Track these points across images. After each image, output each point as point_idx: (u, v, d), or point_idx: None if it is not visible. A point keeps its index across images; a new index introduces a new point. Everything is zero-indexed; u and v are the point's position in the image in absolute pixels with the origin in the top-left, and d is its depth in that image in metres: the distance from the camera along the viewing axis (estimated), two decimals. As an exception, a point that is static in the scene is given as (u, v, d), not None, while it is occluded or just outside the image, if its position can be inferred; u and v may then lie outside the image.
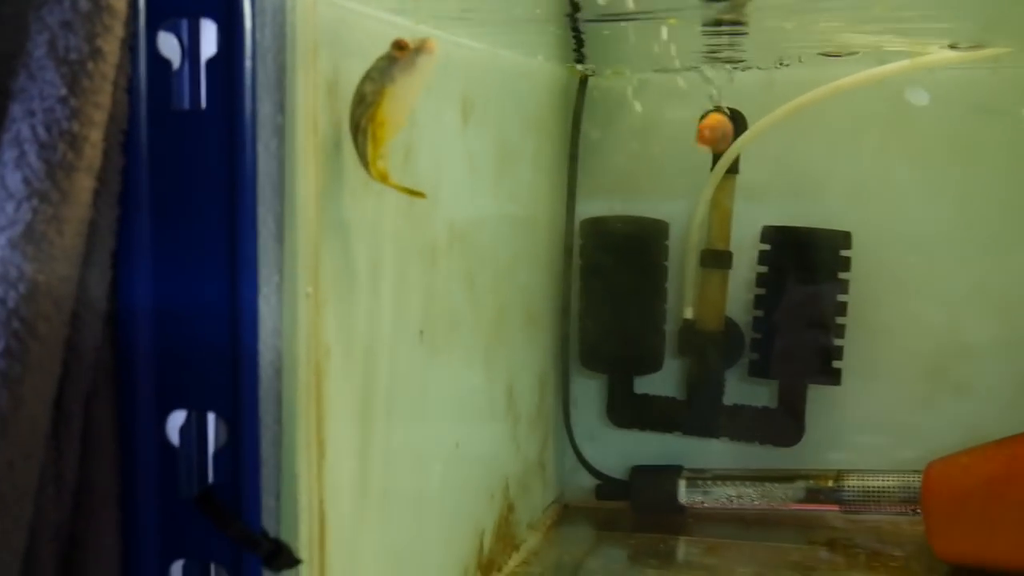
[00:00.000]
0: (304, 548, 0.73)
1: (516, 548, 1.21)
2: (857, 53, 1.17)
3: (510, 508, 1.19)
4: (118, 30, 0.62)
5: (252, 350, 0.68)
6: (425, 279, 0.93)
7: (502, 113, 1.12)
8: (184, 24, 0.67)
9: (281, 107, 0.70)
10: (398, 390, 0.88)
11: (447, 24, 0.97)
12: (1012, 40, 1.17)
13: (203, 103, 0.67)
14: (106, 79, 0.62)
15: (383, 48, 0.77)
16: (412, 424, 0.92)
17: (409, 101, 0.76)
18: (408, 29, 0.90)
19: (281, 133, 0.70)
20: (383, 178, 0.76)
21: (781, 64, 1.30)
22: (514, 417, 1.20)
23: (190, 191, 0.67)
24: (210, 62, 0.67)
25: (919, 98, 1.28)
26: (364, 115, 0.75)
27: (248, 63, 0.67)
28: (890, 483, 1.27)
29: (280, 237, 0.70)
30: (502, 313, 1.15)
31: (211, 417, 0.69)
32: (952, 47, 1.15)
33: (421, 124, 0.90)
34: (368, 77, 0.75)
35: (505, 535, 1.17)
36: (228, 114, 0.67)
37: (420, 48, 0.75)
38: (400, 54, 0.75)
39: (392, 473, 0.88)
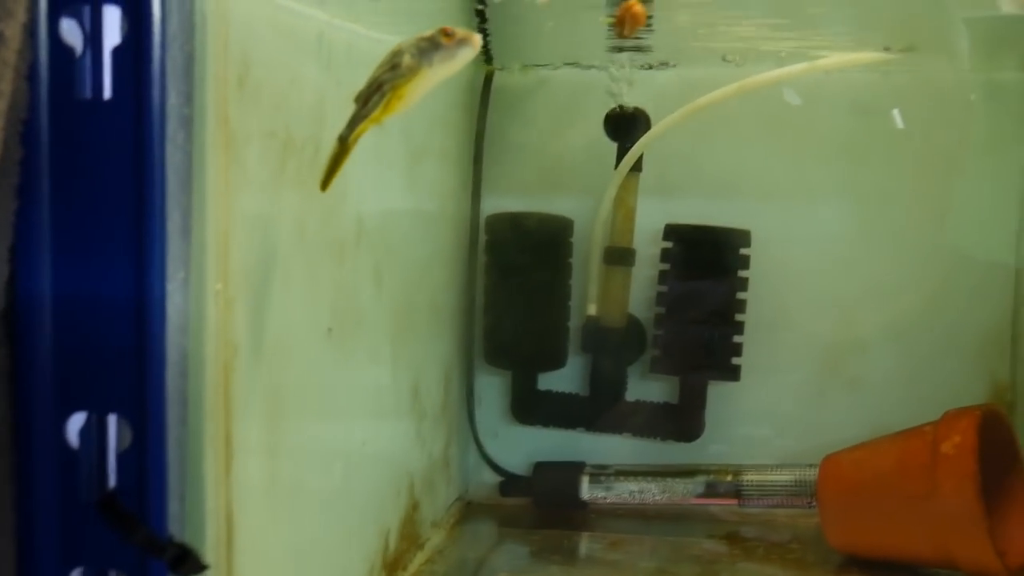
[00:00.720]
0: (211, 552, 0.71)
1: (421, 547, 1.20)
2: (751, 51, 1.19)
3: (415, 506, 1.18)
4: (20, 15, 0.60)
5: (158, 348, 0.66)
6: (334, 275, 0.91)
7: (409, 109, 1.11)
8: (87, 10, 0.64)
9: (189, 98, 0.68)
10: (306, 388, 0.87)
11: (357, 16, 0.95)
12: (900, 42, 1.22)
13: (107, 93, 0.64)
14: (7, 65, 0.59)
15: (297, 43, 0.76)
16: (319, 422, 0.90)
17: (431, 86, 0.78)
18: (320, 20, 0.88)
19: (189, 125, 0.68)
20: (357, 136, 0.77)
21: (685, 64, 1.32)
22: (419, 414, 1.19)
23: (93, 184, 0.65)
24: (115, 50, 0.64)
25: (793, 98, 1.31)
26: (390, 82, 0.76)
27: (155, 51, 0.64)
28: (787, 477, 1.30)
29: (188, 232, 0.68)
30: (409, 309, 1.14)
31: (113, 418, 0.66)
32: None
33: (331, 119, 0.88)
34: (408, 51, 0.76)
35: (410, 533, 1.16)
36: (134, 104, 0.64)
37: (464, 40, 0.76)
38: (447, 40, 0.76)
39: (300, 472, 0.87)
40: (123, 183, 0.65)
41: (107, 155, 0.65)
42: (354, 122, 0.77)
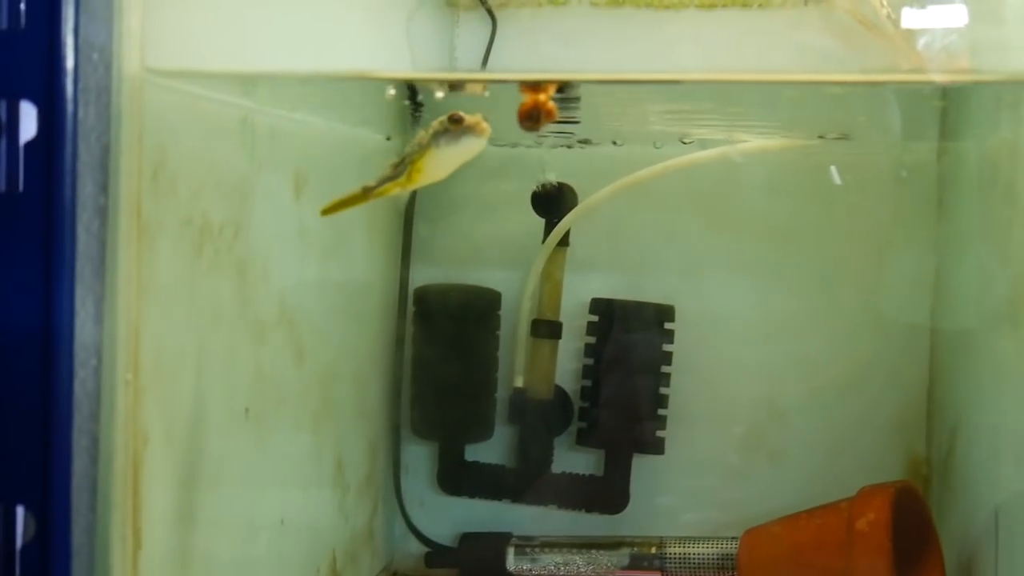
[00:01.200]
0: (116, 643, 0.70)
1: (342, 620, 1.20)
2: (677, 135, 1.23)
3: (336, 580, 1.17)
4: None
5: (65, 439, 0.66)
6: (253, 356, 0.92)
7: (338, 183, 1.12)
8: (3, 105, 0.65)
9: (104, 188, 0.69)
10: (222, 471, 0.87)
11: (286, 103, 0.97)
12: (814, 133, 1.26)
13: (21, 185, 0.65)
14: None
15: (219, 130, 0.78)
16: (236, 503, 0.90)
17: (448, 166, 0.84)
18: (243, 107, 0.89)
19: (104, 214, 0.69)
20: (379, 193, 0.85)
21: (613, 143, 1.35)
22: (343, 487, 1.19)
23: (5, 275, 0.65)
24: (29, 144, 0.65)
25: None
26: (410, 156, 0.83)
27: (69, 146, 0.65)
28: (709, 550, 1.31)
29: (99, 320, 0.69)
30: (332, 384, 1.14)
31: (20, 510, 0.66)
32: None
33: (252, 200, 0.89)
34: (427, 129, 0.82)
35: (331, 608, 1.16)
36: (46, 197, 0.65)
37: (470, 128, 0.81)
38: (453, 127, 0.82)
39: (215, 554, 0.86)
40: (34, 273, 0.66)
41: (20, 247, 0.65)
42: (381, 181, 0.85)
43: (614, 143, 1.34)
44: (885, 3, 1.25)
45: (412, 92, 1.21)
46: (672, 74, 0.90)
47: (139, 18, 0.71)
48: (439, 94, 1.12)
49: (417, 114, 1.26)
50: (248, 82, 0.88)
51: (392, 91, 0.95)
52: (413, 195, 1.37)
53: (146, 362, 0.73)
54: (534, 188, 1.33)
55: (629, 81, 0.95)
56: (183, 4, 0.78)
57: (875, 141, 1.33)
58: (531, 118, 0.84)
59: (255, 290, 0.91)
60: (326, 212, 0.88)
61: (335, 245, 1.14)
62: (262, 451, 0.95)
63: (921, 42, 1.04)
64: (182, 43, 0.77)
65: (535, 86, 0.84)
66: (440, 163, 0.84)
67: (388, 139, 1.28)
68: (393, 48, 1.29)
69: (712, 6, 1.42)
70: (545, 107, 0.84)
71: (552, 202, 1.33)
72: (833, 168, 1.33)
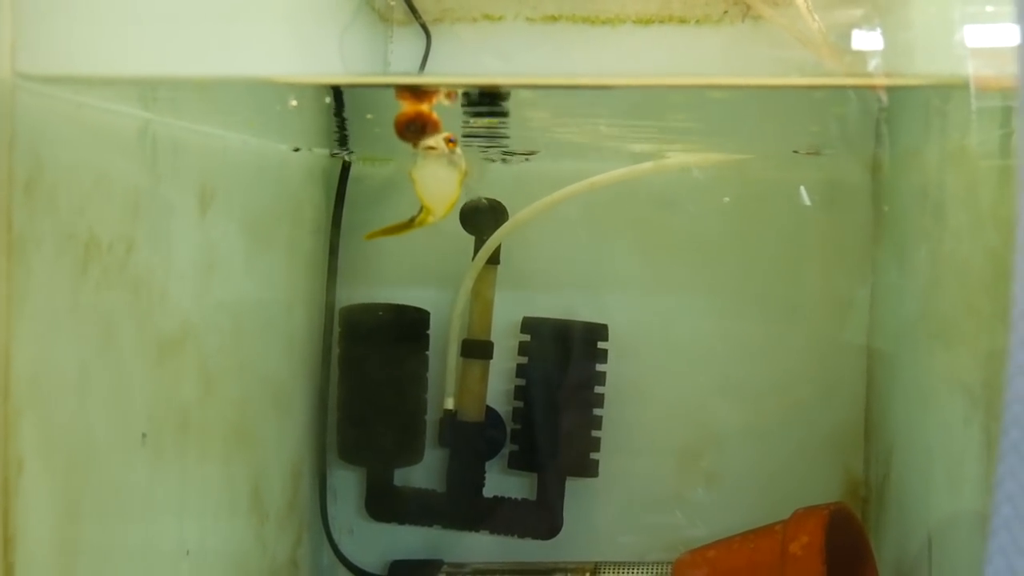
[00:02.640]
0: None
1: (260, 655, 1.15)
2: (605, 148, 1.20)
3: (253, 613, 1.13)
4: None
5: (-77, 469, 0.62)
6: (151, 379, 0.87)
7: (250, 201, 1.09)
8: None
9: (-30, 201, 0.64)
10: (115, 500, 0.82)
11: (187, 114, 0.93)
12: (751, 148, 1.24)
13: None
14: None
15: (110, 141, 0.74)
16: (132, 535, 0.86)
17: (442, 184, 0.88)
18: (139, 118, 0.85)
19: (-30, 229, 0.65)
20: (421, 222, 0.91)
21: (538, 156, 1.32)
22: (260, 516, 1.15)
23: None
24: None
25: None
26: None
27: (-73, 155, 0.61)
28: (644, 575, 1.27)
29: (-35, 343, 0.64)
30: (246, 407, 1.10)
31: None
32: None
33: (148, 216, 0.85)
34: None
35: (246, 643, 1.11)
36: (-98, 209, 0.61)
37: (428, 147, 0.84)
38: (418, 149, 0.85)
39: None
40: None
41: None
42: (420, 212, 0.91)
43: (542, 157, 1.31)
44: (816, 18, 1.24)
45: (338, 106, 1.17)
46: (600, 79, 0.87)
47: (10, 21, 0.67)
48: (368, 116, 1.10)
49: (343, 130, 1.23)
50: (146, 91, 0.84)
51: (294, 101, 0.91)
52: (339, 210, 1.34)
53: (19, 385, 0.69)
54: (463, 204, 1.30)
55: (557, 86, 0.92)
56: (67, 9, 0.74)
57: (808, 157, 1.32)
58: (412, 129, 0.80)
59: (152, 310, 0.87)
60: (370, 237, 1.03)
61: (250, 264, 1.10)
62: (163, 479, 0.90)
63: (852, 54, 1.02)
64: (67, 49, 0.74)
65: (418, 93, 0.80)
66: (432, 185, 0.87)
67: (296, 150, 1.25)
68: (324, 62, 1.26)
69: (649, 22, 1.40)
70: (430, 118, 0.81)
71: (481, 218, 1.30)
72: (802, 188, 1.31)
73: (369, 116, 1.20)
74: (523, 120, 1.14)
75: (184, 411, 0.94)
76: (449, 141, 0.85)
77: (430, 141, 0.83)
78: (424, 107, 0.81)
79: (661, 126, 1.14)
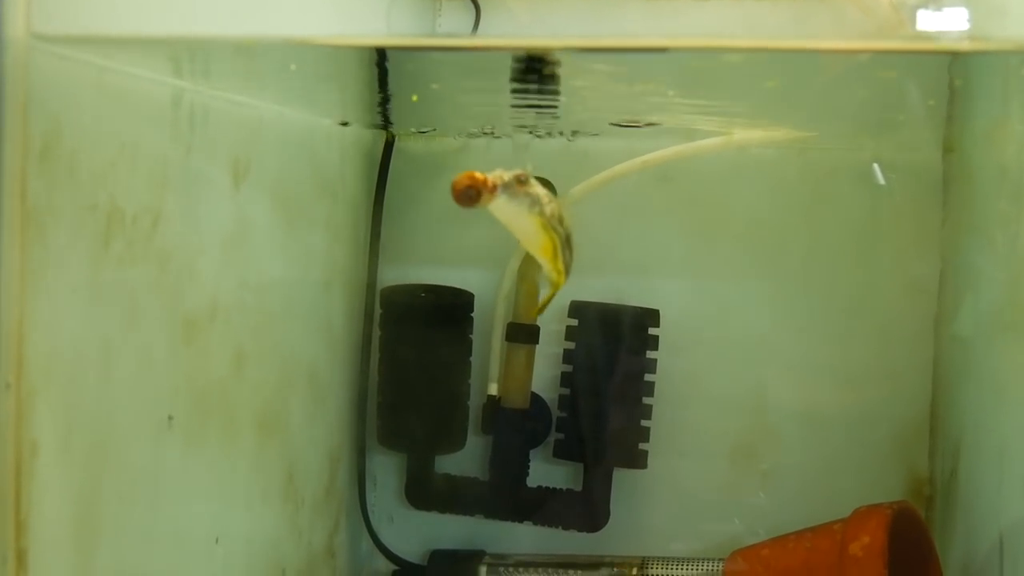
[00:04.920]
0: None
1: (295, 645, 1.11)
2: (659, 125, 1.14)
3: (287, 602, 1.09)
4: None
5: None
6: (178, 359, 0.83)
7: (287, 175, 1.05)
8: None
9: (-19, 168, 0.61)
10: (139, 484, 0.78)
11: (220, 80, 0.89)
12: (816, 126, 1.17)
13: None
14: None
15: (136, 108, 0.71)
16: (157, 521, 0.82)
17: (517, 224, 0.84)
18: (170, 85, 0.81)
19: (-20, 198, 0.61)
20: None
21: (593, 134, 1.26)
22: (295, 502, 1.11)
23: None
24: None
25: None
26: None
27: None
28: (693, 572, 1.22)
29: (-24, 319, 0.61)
30: (280, 390, 1.06)
31: None
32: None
33: (176, 188, 0.81)
34: None
35: (280, 632, 1.07)
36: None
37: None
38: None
39: (131, 569, 0.78)
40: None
41: None
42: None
43: (593, 135, 1.26)
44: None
45: (382, 77, 1.12)
46: (657, 40, 0.81)
47: (26, -22, 0.63)
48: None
49: (386, 105, 1.19)
50: (178, 55, 0.79)
51: (293, 66, 0.85)
52: (381, 191, 1.29)
53: (34, 364, 0.65)
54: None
55: (608, 48, 0.86)
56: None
57: (877, 136, 1.25)
58: (467, 196, 0.79)
59: (180, 287, 0.83)
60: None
61: (286, 241, 1.06)
62: (191, 463, 0.86)
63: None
64: (89, 9, 0.69)
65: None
66: (516, 230, 0.84)
67: (345, 124, 1.20)
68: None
69: (708, -4, 1.33)
70: (485, 184, 0.79)
71: (528, 198, 1.24)
72: (876, 166, 1.25)
73: (414, 97, 1.16)
74: (574, 92, 1.08)
75: (214, 393, 0.90)
76: (519, 181, 0.82)
77: (501, 177, 0.81)
78: (478, 173, 0.79)
79: (719, 105, 1.08)
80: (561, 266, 0.88)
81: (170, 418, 0.82)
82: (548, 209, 0.84)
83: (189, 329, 0.85)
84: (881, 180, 1.26)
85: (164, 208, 0.79)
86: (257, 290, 0.98)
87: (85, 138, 0.69)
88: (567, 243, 0.89)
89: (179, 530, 0.85)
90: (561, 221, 0.87)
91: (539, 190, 0.83)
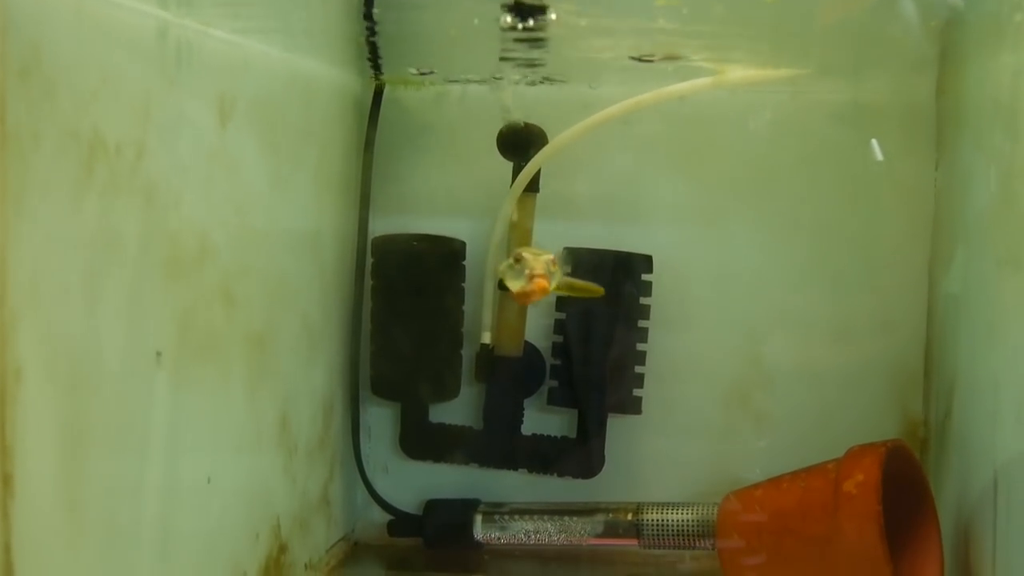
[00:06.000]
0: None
1: (290, 591, 1.11)
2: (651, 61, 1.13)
3: (282, 548, 1.09)
4: None
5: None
6: (164, 294, 0.83)
7: (274, 117, 1.04)
8: None
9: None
10: (127, 418, 0.78)
11: (208, 14, 0.88)
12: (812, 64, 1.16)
13: None
14: None
15: (119, 37, 0.70)
16: (148, 456, 0.81)
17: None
18: (154, 16, 0.80)
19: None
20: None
21: (584, 80, 1.25)
22: (288, 449, 1.11)
23: None
24: None
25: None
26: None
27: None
28: (689, 516, 1.22)
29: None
30: (272, 335, 1.05)
31: None
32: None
33: (160, 121, 0.80)
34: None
35: (275, 577, 1.07)
36: None
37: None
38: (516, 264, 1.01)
39: (120, 511, 0.78)
40: None
41: None
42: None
43: (590, 87, 1.25)
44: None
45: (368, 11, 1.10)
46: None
47: None
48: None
49: (372, 39, 1.16)
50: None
51: None
52: (371, 139, 1.29)
53: (17, 287, 0.64)
54: (500, 128, 1.24)
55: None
56: None
57: (870, 77, 1.24)
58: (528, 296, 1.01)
59: (167, 222, 0.82)
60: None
61: (275, 185, 1.05)
62: (181, 400, 0.86)
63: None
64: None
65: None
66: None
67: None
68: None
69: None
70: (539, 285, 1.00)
71: (520, 143, 1.24)
72: (874, 142, 1.24)
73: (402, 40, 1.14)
74: (566, 32, 1.07)
75: (204, 332, 0.90)
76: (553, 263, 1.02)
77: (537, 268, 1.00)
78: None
79: (711, 35, 1.06)
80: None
81: (159, 354, 0.82)
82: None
83: (177, 265, 0.84)
84: (879, 156, 1.25)
85: (148, 141, 0.78)
86: (246, 231, 0.97)
87: (65, 65, 0.68)
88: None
89: (170, 465, 0.85)
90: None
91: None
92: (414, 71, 1.24)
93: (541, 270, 1.00)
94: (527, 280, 1.00)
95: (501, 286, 1.12)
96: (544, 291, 1.00)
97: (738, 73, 1.14)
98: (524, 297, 1.01)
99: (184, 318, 0.86)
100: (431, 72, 1.26)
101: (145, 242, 0.79)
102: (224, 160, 0.92)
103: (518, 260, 1.01)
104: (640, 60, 1.08)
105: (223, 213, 0.92)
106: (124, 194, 0.76)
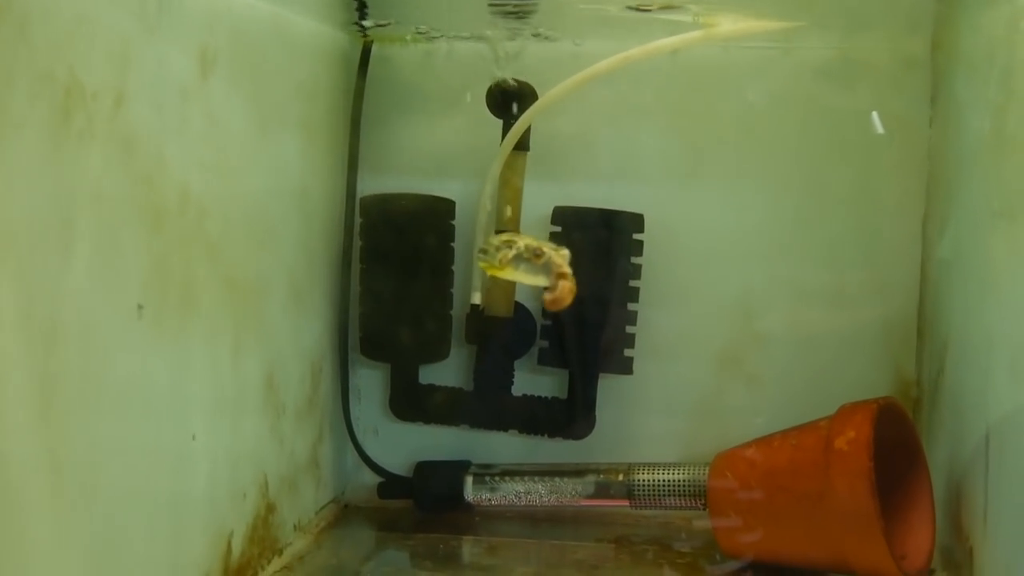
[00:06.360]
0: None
1: (278, 552, 1.10)
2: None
3: (269, 508, 1.08)
4: None
5: None
6: (146, 247, 0.81)
7: (258, 71, 1.02)
8: None
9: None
10: (108, 370, 0.77)
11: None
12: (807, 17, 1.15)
13: None
14: None
15: None
16: (130, 410, 0.80)
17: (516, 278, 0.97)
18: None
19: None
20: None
21: (575, 36, 1.24)
22: (276, 409, 1.10)
23: None
24: None
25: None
26: (492, 256, 0.96)
27: None
28: (680, 476, 1.21)
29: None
30: (259, 294, 1.04)
31: None
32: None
33: (139, 69, 0.79)
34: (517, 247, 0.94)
35: (263, 537, 1.06)
36: None
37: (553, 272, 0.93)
38: (535, 260, 0.94)
39: (102, 468, 0.76)
40: None
41: None
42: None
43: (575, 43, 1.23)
44: None
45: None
46: None
47: None
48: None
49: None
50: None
51: None
52: (360, 93, 1.27)
53: (-10, 232, 0.63)
54: (490, 85, 1.23)
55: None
56: None
57: (865, 32, 1.22)
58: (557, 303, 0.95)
59: (148, 173, 0.81)
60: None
61: (260, 139, 1.03)
62: (164, 354, 0.85)
63: None
64: None
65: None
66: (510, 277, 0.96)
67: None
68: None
69: None
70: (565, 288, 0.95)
71: (509, 101, 1.22)
72: (875, 114, 1.22)
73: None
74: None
75: (187, 287, 0.88)
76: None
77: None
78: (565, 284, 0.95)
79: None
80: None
81: (140, 307, 0.80)
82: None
83: (158, 218, 0.83)
84: (880, 128, 1.23)
85: (127, 89, 0.77)
86: (230, 186, 0.96)
87: (37, 5, 0.66)
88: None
89: (153, 421, 0.84)
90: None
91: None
92: (403, 25, 1.22)
93: (566, 267, 0.94)
94: (554, 279, 0.94)
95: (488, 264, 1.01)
96: (573, 292, 0.95)
97: (729, 25, 1.12)
98: (556, 304, 0.95)
99: (166, 272, 0.85)
100: (424, 31, 1.24)
101: (125, 192, 0.78)
102: (206, 112, 0.91)
103: (537, 255, 0.94)
104: (638, 10, 1.06)
105: (206, 167, 0.91)
106: (103, 141, 0.74)
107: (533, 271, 0.95)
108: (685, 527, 1.25)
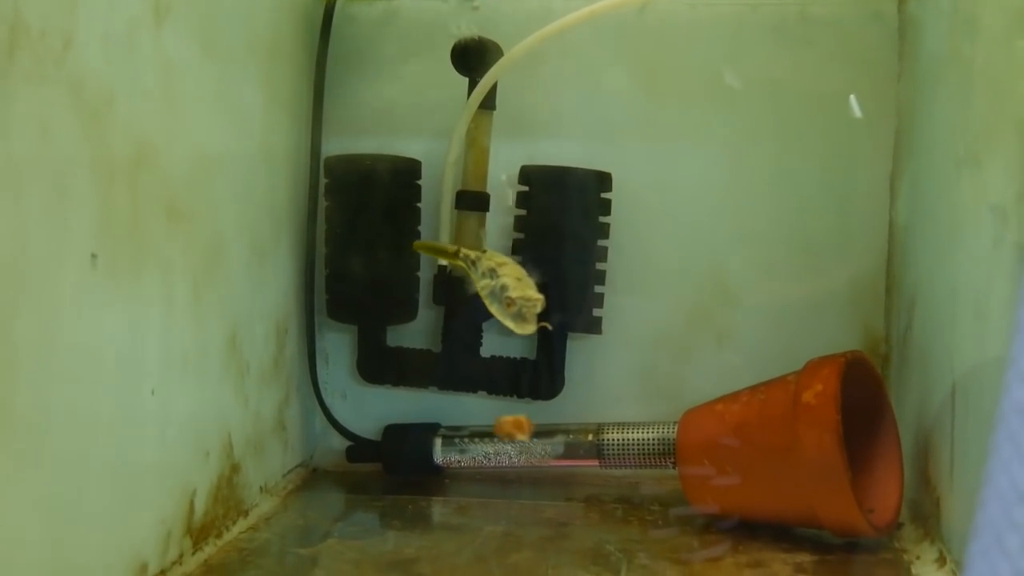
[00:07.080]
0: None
1: (244, 513, 1.09)
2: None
3: (234, 468, 1.07)
4: None
5: None
6: (100, 197, 0.80)
7: (216, 22, 1.00)
8: None
9: None
10: (60, 318, 0.75)
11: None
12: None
13: None
14: None
15: None
16: (83, 361, 0.79)
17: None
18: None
19: None
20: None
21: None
22: (239, 368, 1.08)
23: None
24: None
25: (733, 80, 1.23)
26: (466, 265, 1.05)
27: None
28: (649, 435, 1.21)
29: None
30: (219, 250, 1.03)
31: None
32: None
33: (88, 11, 0.77)
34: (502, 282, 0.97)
35: (228, 497, 1.05)
36: None
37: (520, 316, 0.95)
38: (509, 307, 0.95)
39: (51, 422, 0.75)
40: None
41: None
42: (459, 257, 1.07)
43: None
44: None
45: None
46: None
47: None
48: None
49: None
50: None
51: None
52: (323, 52, 1.25)
53: (-68, 172, 0.61)
54: (455, 42, 1.21)
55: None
56: None
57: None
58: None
59: (99, 120, 0.79)
60: (417, 247, 1.19)
61: (219, 94, 1.02)
62: (119, 306, 0.83)
63: None
64: None
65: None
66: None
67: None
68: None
69: None
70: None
71: (474, 57, 1.21)
72: (852, 98, 1.21)
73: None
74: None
75: (144, 240, 0.87)
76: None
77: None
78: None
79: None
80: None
81: (94, 256, 0.79)
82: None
83: (111, 168, 0.81)
84: (858, 112, 1.23)
85: (76, 32, 0.75)
86: (186, 138, 0.94)
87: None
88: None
89: (108, 373, 0.82)
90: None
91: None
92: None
93: (532, 322, 0.94)
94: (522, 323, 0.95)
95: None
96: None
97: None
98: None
99: (121, 223, 0.83)
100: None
101: (75, 136, 0.76)
102: (160, 62, 0.89)
103: (509, 304, 0.95)
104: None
105: (162, 118, 0.89)
106: (50, 83, 0.73)
107: (501, 311, 0.97)
108: (654, 485, 1.25)
